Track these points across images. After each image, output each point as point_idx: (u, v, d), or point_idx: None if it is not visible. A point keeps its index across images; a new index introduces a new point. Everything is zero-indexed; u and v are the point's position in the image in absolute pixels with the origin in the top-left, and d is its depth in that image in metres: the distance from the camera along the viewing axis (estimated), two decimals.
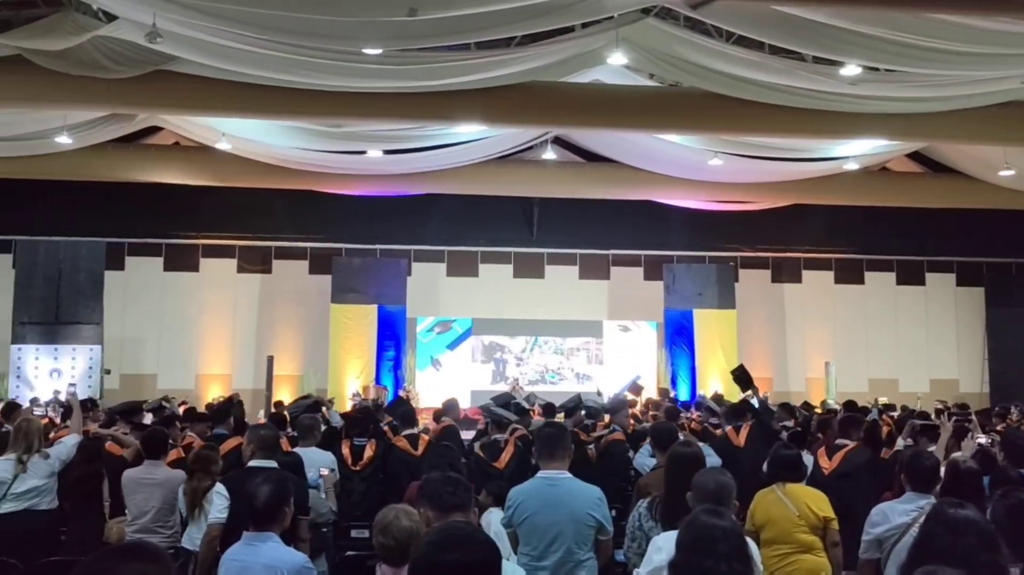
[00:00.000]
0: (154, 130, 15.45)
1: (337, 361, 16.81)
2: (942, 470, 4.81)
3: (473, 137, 14.64)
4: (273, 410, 11.90)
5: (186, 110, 13.10)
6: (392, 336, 17.11)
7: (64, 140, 13.62)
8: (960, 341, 19.58)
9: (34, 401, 13.29)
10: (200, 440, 7.29)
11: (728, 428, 8.58)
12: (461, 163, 15.47)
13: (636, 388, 14.51)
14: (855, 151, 15.04)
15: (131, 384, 16.50)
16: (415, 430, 7.83)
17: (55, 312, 15.65)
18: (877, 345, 19.12)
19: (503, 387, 15.51)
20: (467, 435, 9.47)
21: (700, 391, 16.42)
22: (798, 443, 6.93)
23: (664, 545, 3.57)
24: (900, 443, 7.75)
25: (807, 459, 6.64)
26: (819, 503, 5.02)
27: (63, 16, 10.13)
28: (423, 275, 18.35)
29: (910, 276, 19.69)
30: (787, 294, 19.42)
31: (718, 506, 3.34)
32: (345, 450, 7.32)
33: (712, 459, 6.23)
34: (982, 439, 7.25)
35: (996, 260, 19.55)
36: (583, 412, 9.28)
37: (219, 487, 5.04)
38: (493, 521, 4.99)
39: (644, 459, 6.91)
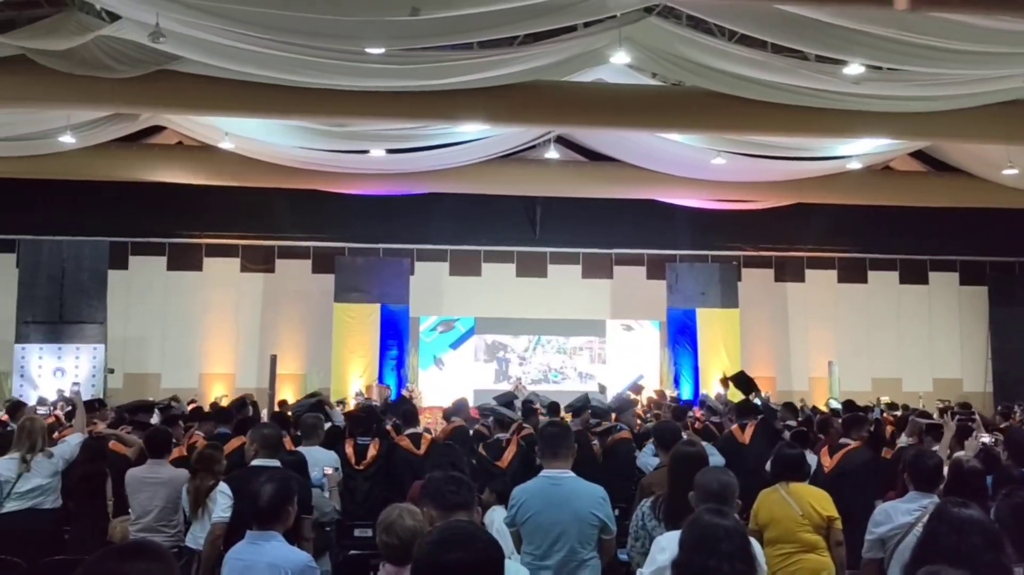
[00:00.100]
0: (157, 130, 15.46)
1: (340, 360, 16.82)
2: (945, 469, 4.81)
3: (476, 136, 14.63)
4: (277, 409, 11.92)
5: (189, 110, 13.10)
6: (395, 335, 17.11)
7: (68, 140, 13.63)
8: (963, 340, 19.55)
9: (41, 401, 13.30)
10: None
11: (734, 426, 8.59)
12: (464, 162, 15.46)
13: (637, 388, 14.53)
14: (858, 150, 15.03)
15: (135, 383, 16.54)
16: (418, 429, 7.85)
17: (59, 311, 15.66)
18: (880, 344, 19.09)
19: (506, 386, 15.49)
20: None
21: (703, 390, 16.41)
22: (801, 442, 6.93)
23: (667, 545, 3.56)
24: (904, 439, 7.75)
25: (811, 459, 6.64)
26: (822, 502, 5.01)
27: (66, 16, 10.14)
28: (426, 274, 18.35)
29: (913, 275, 19.66)
30: (790, 293, 19.39)
31: (721, 506, 3.34)
32: (348, 449, 7.33)
33: (715, 458, 6.22)
34: (986, 438, 7.24)
35: (999, 259, 19.51)
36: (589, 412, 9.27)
37: (223, 486, 5.05)
38: (496, 519, 4.99)
39: (647, 458, 6.92)
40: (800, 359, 18.95)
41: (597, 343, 18.58)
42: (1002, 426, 9.58)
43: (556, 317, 18.33)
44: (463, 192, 16.73)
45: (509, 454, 7.37)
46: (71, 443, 6.54)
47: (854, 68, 10.77)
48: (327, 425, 7.87)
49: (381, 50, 10.41)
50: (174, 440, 6.85)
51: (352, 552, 6.27)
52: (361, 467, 7.24)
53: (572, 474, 4.60)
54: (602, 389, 14.23)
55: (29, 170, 14.89)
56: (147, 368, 17.48)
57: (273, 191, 16.64)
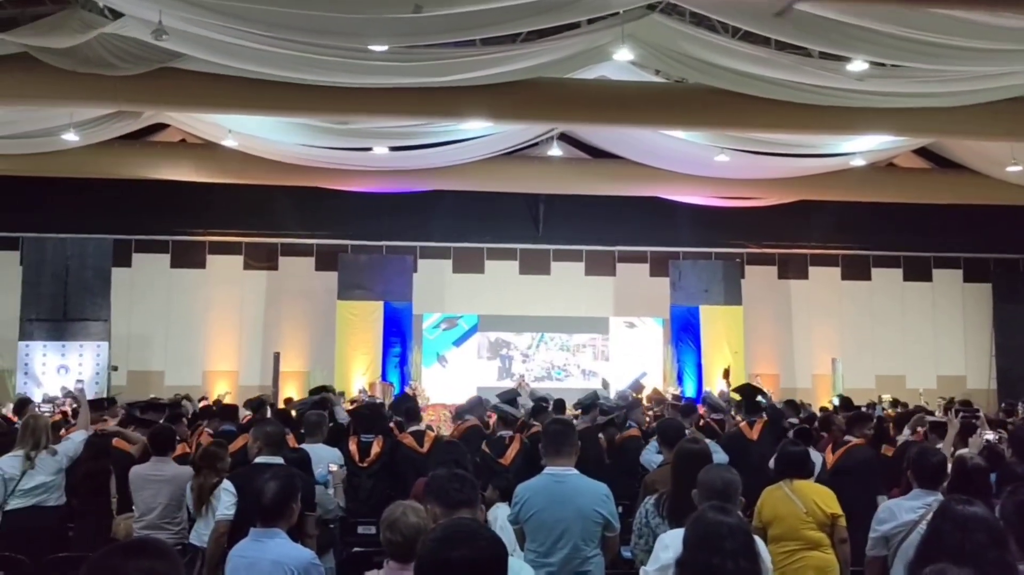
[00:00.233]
0: (160, 127, 15.47)
1: (343, 357, 16.83)
2: (949, 467, 4.80)
3: (479, 133, 14.63)
4: (282, 406, 11.92)
5: (192, 107, 13.10)
6: (398, 333, 17.12)
7: (71, 137, 13.64)
8: (967, 337, 19.52)
9: (47, 398, 13.32)
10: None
11: (743, 423, 8.59)
12: (467, 160, 15.45)
13: (638, 387, 14.50)
14: (861, 147, 14.99)
15: (138, 381, 16.56)
16: (420, 426, 7.85)
17: (63, 309, 15.70)
18: (884, 341, 19.06)
19: (509, 383, 15.51)
20: None
21: (706, 388, 16.40)
22: (804, 440, 6.93)
23: (671, 542, 3.56)
24: (906, 432, 7.74)
25: (815, 456, 6.64)
26: (827, 500, 5.01)
27: (69, 13, 10.14)
28: (429, 272, 18.35)
29: (917, 272, 19.63)
30: (793, 290, 19.37)
31: (725, 503, 3.33)
32: (352, 447, 7.32)
33: (719, 456, 6.22)
34: (989, 435, 7.23)
35: (1003, 256, 19.49)
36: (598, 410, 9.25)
37: (226, 483, 5.06)
38: (499, 516, 5.00)
39: (651, 455, 6.91)
40: (804, 356, 18.93)
41: (600, 340, 18.57)
42: (1006, 423, 9.57)
43: (559, 314, 18.33)
44: (466, 189, 16.72)
45: (512, 451, 7.37)
46: (75, 440, 6.55)
47: (857, 65, 10.75)
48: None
49: (384, 47, 10.41)
50: (178, 437, 6.86)
51: (356, 549, 6.26)
52: (365, 464, 7.24)
53: (576, 471, 4.60)
54: (605, 386, 14.23)
55: (32, 168, 14.91)
56: (151, 366, 17.50)
57: (276, 188, 16.65)
